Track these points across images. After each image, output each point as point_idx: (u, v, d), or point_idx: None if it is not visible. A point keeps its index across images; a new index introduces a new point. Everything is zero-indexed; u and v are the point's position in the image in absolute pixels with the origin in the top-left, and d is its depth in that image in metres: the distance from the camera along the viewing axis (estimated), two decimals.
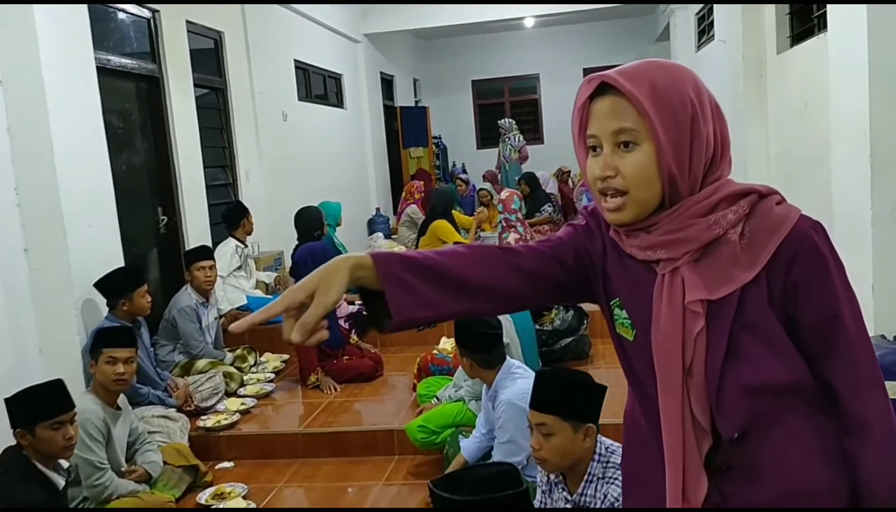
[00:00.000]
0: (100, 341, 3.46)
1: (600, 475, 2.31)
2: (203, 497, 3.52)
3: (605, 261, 1.30)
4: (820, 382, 1.17)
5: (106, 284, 4.12)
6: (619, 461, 2.24)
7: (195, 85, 5.99)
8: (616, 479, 2.26)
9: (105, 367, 3.39)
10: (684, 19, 9.52)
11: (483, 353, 3.16)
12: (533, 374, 3.22)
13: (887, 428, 1.17)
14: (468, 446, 3.36)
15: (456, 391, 3.81)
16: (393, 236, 9.81)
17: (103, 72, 4.71)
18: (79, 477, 3.16)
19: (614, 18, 13.36)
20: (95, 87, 4.48)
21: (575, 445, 2.29)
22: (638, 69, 1.19)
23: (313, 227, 5.80)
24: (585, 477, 2.32)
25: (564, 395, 2.32)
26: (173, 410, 4.12)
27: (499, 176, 11.28)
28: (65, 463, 2.91)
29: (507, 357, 3.24)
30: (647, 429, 1.28)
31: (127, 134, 5.23)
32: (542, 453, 2.31)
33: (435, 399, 3.96)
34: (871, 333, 3.24)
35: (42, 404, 2.74)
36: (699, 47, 8.88)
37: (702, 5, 8.48)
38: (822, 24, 4.74)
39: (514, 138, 11.10)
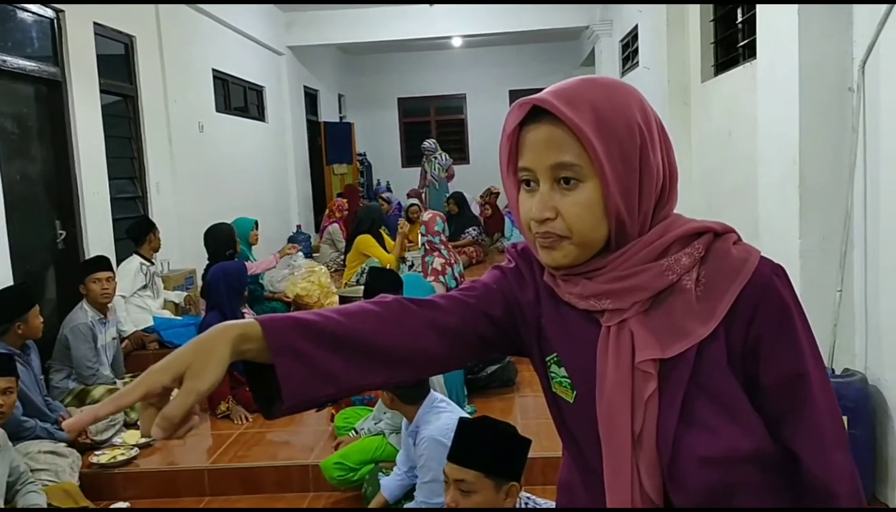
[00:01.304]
0: None
1: None
2: None
3: (539, 310, 1.12)
4: (781, 445, 1.02)
5: None
6: None
7: (102, 91, 5.62)
8: None
9: None
10: (609, 45, 9.64)
11: (403, 387, 2.96)
12: (457, 408, 3.04)
13: (853, 493, 1.04)
14: (388, 485, 3.14)
15: (375, 424, 3.59)
16: (314, 255, 9.52)
17: None
18: None
19: (541, 42, 13.48)
20: None
21: (495, 504, 2.11)
22: (577, 91, 1.01)
23: (225, 245, 5.49)
24: None
25: (489, 449, 2.14)
26: (63, 444, 3.73)
27: (423, 195, 11.13)
28: None
29: (431, 390, 3.05)
30: (587, 499, 1.11)
31: (22, 140, 4.82)
32: (462, 510, 2.13)
33: (353, 432, 3.72)
34: None
35: None
36: (624, 73, 8.98)
37: (627, 30, 8.58)
38: (746, 54, 4.78)
39: (442, 157, 10.99)
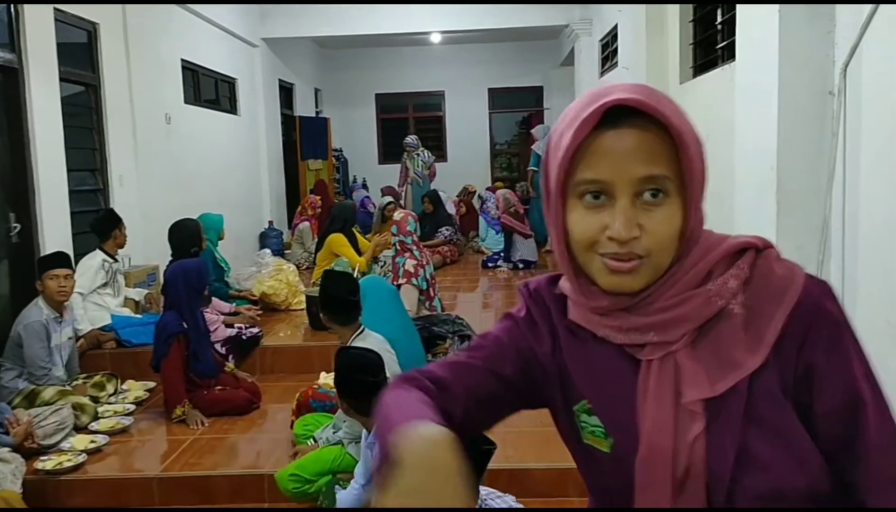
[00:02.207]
0: None
1: None
2: None
3: (560, 358, 1.01)
4: (837, 476, 0.92)
5: None
6: None
7: (62, 79, 5.39)
8: None
9: None
10: (588, 44, 9.54)
11: (360, 399, 2.81)
12: None
13: None
14: (345, 499, 2.99)
15: (334, 433, 3.43)
16: (286, 252, 9.34)
17: None
18: None
19: (521, 40, 13.36)
20: None
21: None
22: (657, 94, 0.90)
23: (189, 242, 5.31)
24: None
25: None
26: (6, 449, 3.54)
27: (402, 192, 10.98)
28: None
29: None
30: None
31: None
32: None
33: (312, 440, 3.56)
34: None
35: None
36: (603, 73, 8.88)
37: (607, 30, 8.48)
38: (725, 56, 4.68)
39: (425, 154, 10.85)
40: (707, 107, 4.96)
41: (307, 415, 3.82)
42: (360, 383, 2.82)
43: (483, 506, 2.05)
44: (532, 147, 9.91)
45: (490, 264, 8.47)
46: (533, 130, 10.29)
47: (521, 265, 8.22)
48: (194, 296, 4.41)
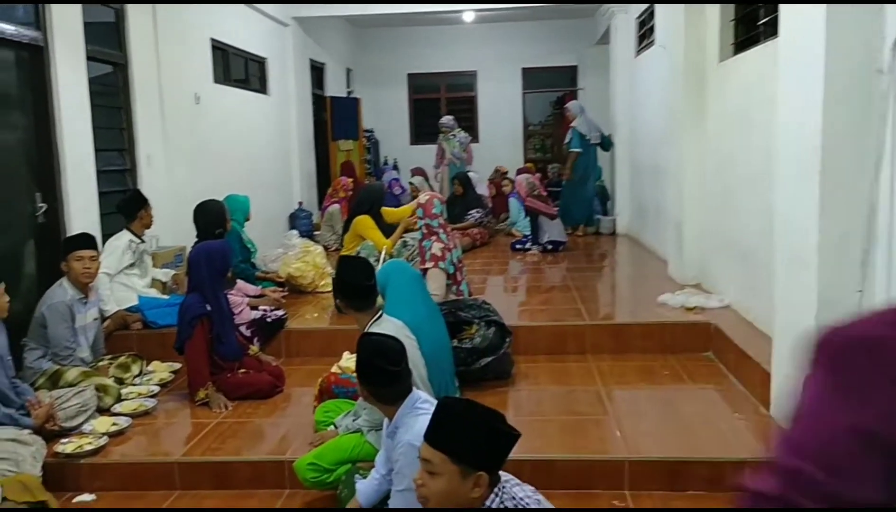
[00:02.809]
0: None
1: None
2: None
3: None
4: None
5: None
6: None
7: (89, 58, 5.37)
8: None
9: None
10: (625, 22, 9.28)
11: (381, 387, 2.72)
12: None
13: None
14: (364, 490, 2.91)
15: (354, 420, 3.35)
16: (315, 233, 9.29)
17: None
18: None
19: (555, 19, 13.09)
20: None
21: (461, 492, 1.95)
22: None
23: (214, 223, 5.26)
24: None
25: (462, 434, 1.97)
26: (27, 431, 3.53)
27: (439, 174, 10.85)
28: None
29: (413, 389, 2.81)
30: None
31: (0, 107, 4.58)
32: (424, 491, 2.00)
33: (332, 427, 3.49)
34: None
35: None
36: (639, 52, 8.64)
37: (643, 7, 8.22)
38: (768, 32, 4.46)
39: (461, 135, 10.69)
40: (748, 85, 4.76)
41: (329, 401, 3.76)
42: (381, 371, 2.73)
43: (503, 490, 1.96)
44: (573, 124, 9.28)
45: (519, 247, 8.33)
46: (568, 105, 9.76)
47: (549, 247, 8.07)
48: (217, 278, 4.36)
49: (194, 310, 4.20)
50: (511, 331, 4.53)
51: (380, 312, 3.47)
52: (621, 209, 9.60)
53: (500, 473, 2.03)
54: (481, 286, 6.47)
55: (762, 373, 3.85)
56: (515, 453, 3.43)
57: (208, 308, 4.25)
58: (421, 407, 2.73)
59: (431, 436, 1.98)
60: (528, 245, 8.22)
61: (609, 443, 3.58)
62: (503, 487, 1.98)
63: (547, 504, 2.01)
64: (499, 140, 13.97)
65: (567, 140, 9.36)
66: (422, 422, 2.63)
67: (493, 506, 1.92)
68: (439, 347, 3.83)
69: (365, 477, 3.01)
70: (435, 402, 2.84)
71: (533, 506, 1.94)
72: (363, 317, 3.45)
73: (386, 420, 2.86)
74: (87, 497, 3.45)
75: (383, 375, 2.71)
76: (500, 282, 7.05)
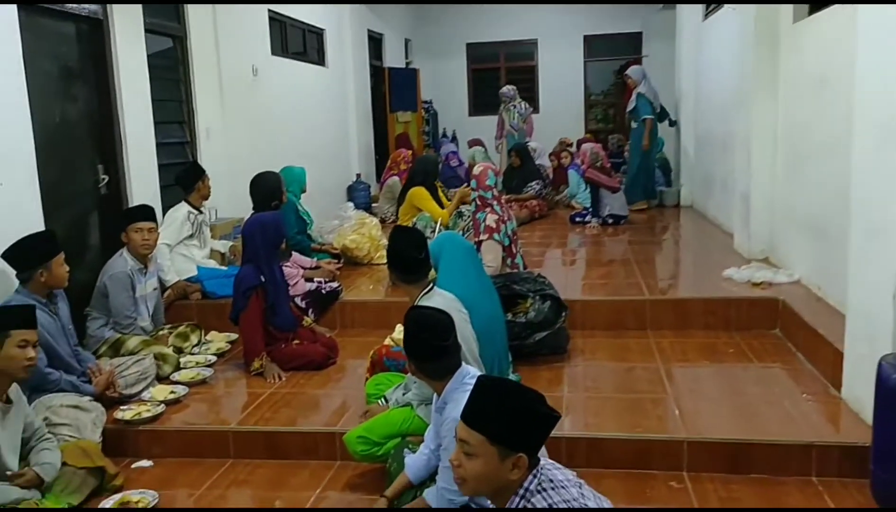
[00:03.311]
0: (7, 321, 2.93)
1: None
2: (105, 507, 3.03)
3: None
4: None
5: (17, 253, 3.60)
6: (553, 501, 1.81)
7: (148, 31, 5.41)
8: None
9: (15, 351, 2.89)
10: None
11: (428, 362, 2.66)
12: None
13: None
14: (413, 464, 2.87)
15: (404, 394, 3.31)
16: (373, 205, 9.29)
17: (34, 11, 4.15)
18: None
19: None
20: (14, 26, 3.91)
21: (499, 474, 1.87)
22: None
23: (270, 195, 5.27)
24: None
25: (500, 414, 1.87)
26: (88, 398, 3.61)
27: (498, 146, 10.72)
28: None
29: (462, 363, 2.74)
30: None
31: (62, 81, 4.66)
32: (462, 472, 1.91)
33: (382, 400, 3.46)
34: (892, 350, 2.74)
35: None
36: (707, 15, 8.27)
37: None
38: None
39: (521, 106, 10.50)
40: (824, 48, 4.48)
41: (380, 374, 3.73)
42: (428, 345, 2.67)
43: (542, 472, 1.87)
44: (640, 91, 8.80)
45: (578, 220, 8.15)
46: (629, 71, 9.30)
47: (610, 220, 7.87)
48: (271, 249, 4.37)
49: (248, 281, 4.22)
50: (567, 305, 4.42)
51: (431, 285, 3.41)
52: (685, 181, 9.30)
53: (540, 456, 1.94)
54: (538, 259, 6.35)
55: (834, 352, 3.65)
56: (570, 431, 3.38)
57: (262, 279, 4.27)
58: (470, 383, 2.65)
59: (469, 416, 1.90)
60: (587, 218, 8.04)
61: (668, 422, 3.45)
62: (542, 470, 1.89)
63: (587, 490, 1.91)
64: (560, 111, 13.69)
65: (630, 108, 9.02)
66: None
67: (532, 487, 1.84)
68: (492, 322, 3.75)
69: (414, 451, 2.97)
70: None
71: (572, 489, 1.85)
72: (414, 289, 3.40)
73: (435, 395, 2.81)
74: (144, 463, 3.51)
75: (430, 350, 2.64)
76: (558, 255, 6.92)
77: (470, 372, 2.73)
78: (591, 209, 8.09)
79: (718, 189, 7.53)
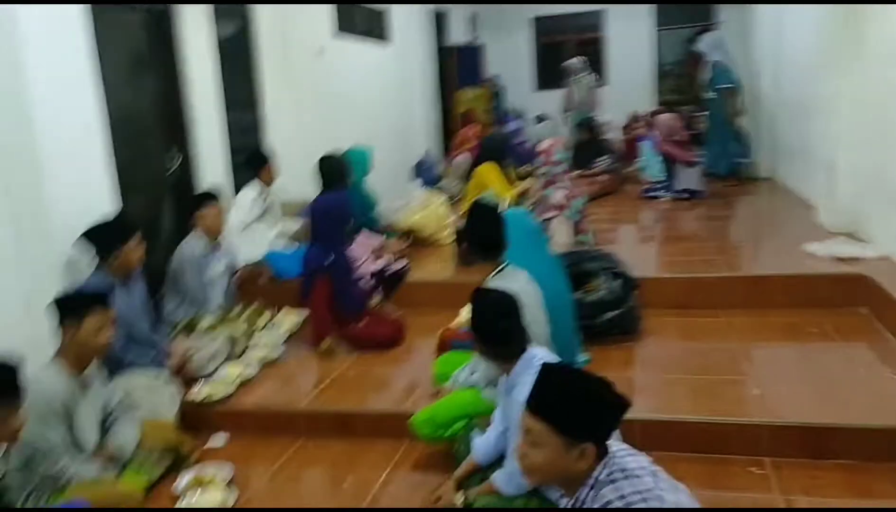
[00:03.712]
0: (86, 302, 3.02)
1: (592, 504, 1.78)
2: (181, 483, 3.10)
3: None
4: None
5: (95, 235, 3.71)
6: (624, 492, 1.73)
7: (214, 14, 5.46)
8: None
9: (94, 330, 2.97)
10: None
11: (494, 344, 2.61)
12: None
13: None
14: (481, 446, 2.84)
15: (471, 375, 3.27)
16: (440, 183, 9.26)
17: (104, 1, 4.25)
18: (31, 462, 2.78)
19: None
20: (86, 17, 4.00)
21: (565, 464, 1.79)
22: None
23: (336, 177, 5.27)
24: (573, 502, 1.82)
25: (564, 403, 1.80)
26: (164, 377, 3.70)
27: (565, 120, 10.52)
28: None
29: (528, 345, 2.67)
30: None
31: (133, 68, 4.75)
32: (526, 461, 1.85)
33: (451, 381, 3.42)
34: None
35: None
36: None
37: None
38: None
39: (588, 79, 10.26)
40: None
41: (449, 353, 3.70)
42: (496, 327, 2.62)
43: (612, 461, 1.78)
44: (715, 59, 8.34)
45: (650, 194, 7.92)
46: (701, 45, 8.86)
47: (684, 195, 7.62)
48: (337, 230, 4.38)
49: (315, 262, 4.25)
50: (638, 283, 4.30)
51: (505, 264, 3.32)
52: (764, 151, 8.92)
53: (612, 443, 1.85)
54: (608, 235, 6.20)
55: None
56: (643, 413, 3.27)
57: (329, 261, 4.28)
58: (538, 365, 2.60)
59: (532, 404, 1.83)
60: (659, 192, 7.81)
61: (746, 405, 3.32)
62: (613, 458, 1.80)
63: (663, 478, 1.82)
64: (629, 83, 13.31)
65: (708, 77, 8.63)
66: None
67: (601, 478, 1.76)
68: (560, 302, 3.66)
69: (482, 433, 2.93)
70: (554, 358, 2.71)
71: (647, 478, 1.76)
72: (487, 267, 3.31)
73: (503, 376, 2.76)
74: (218, 441, 3.59)
75: (497, 332, 2.59)
76: (629, 231, 6.75)
77: (538, 354, 2.66)
78: (663, 183, 7.85)
79: (800, 159, 7.19)
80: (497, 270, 3.28)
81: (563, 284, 3.79)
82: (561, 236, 4.65)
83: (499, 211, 3.47)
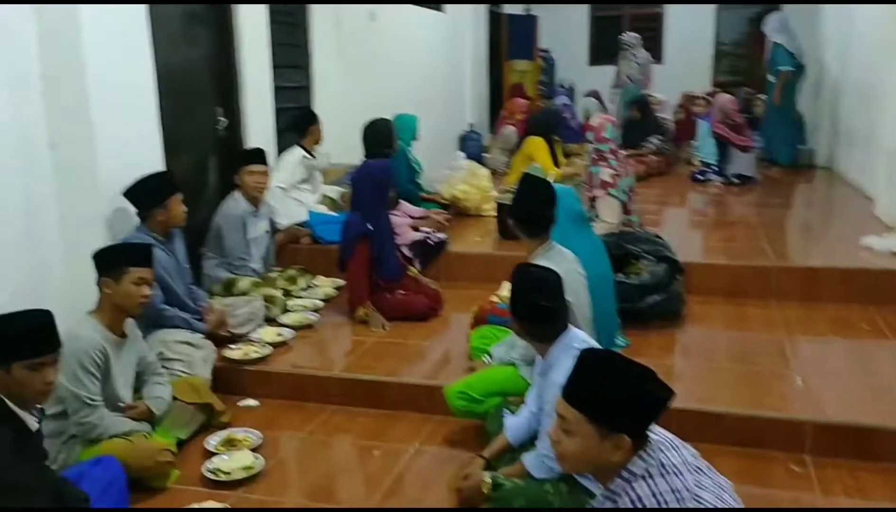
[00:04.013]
0: (125, 258, 3.01)
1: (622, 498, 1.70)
2: (211, 442, 3.12)
3: None
4: None
5: (137, 192, 3.70)
6: (658, 489, 1.66)
7: None
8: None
9: (131, 288, 2.96)
10: None
11: (533, 323, 2.54)
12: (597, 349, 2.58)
13: None
14: (513, 426, 2.79)
15: (508, 351, 3.21)
16: (485, 155, 9.15)
17: None
18: (66, 411, 2.81)
19: None
20: None
21: (599, 455, 1.70)
22: None
23: (382, 142, 5.23)
24: (604, 493, 1.75)
25: (602, 392, 1.71)
26: (200, 336, 3.72)
27: (614, 96, 10.30)
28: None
29: (568, 327, 2.60)
30: None
31: (183, 25, 4.72)
32: (559, 448, 1.78)
33: (487, 357, 3.37)
34: None
35: (22, 341, 2.25)
36: None
37: None
38: None
39: (640, 55, 10.00)
40: None
41: (485, 327, 3.64)
42: (535, 306, 2.55)
43: (650, 455, 1.70)
44: (777, 40, 8.06)
45: (700, 178, 7.71)
46: (767, 28, 8.56)
47: (736, 180, 7.39)
48: (379, 197, 4.33)
49: (355, 229, 4.21)
50: (683, 268, 4.17)
51: (551, 243, 3.23)
52: (822, 138, 8.60)
53: (651, 433, 1.76)
54: (654, 217, 6.05)
55: None
56: (681, 402, 3.17)
57: (369, 227, 4.24)
58: (577, 348, 2.52)
59: (568, 391, 1.75)
60: (709, 176, 7.59)
61: (790, 400, 3.21)
62: (651, 451, 1.72)
63: (708, 476, 1.74)
64: (685, 62, 12.92)
65: (769, 59, 8.32)
66: None
67: (636, 471, 1.68)
68: (602, 284, 3.57)
69: (514, 412, 2.88)
70: (591, 343, 2.63)
71: (687, 476, 1.68)
72: (532, 244, 3.22)
73: (539, 357, 2.69)
74: (251, 402, 3.60)
75: (537, 311, 2.52)
76: (676, 214, 6.59)
77: (578, 336, 2.59)
78: (715, 167, 7.63)
79: (860, 147, 6.91)
80: (542, 247, 3.20)
81: (606, 266, 3.70)
82: (606, 216, 4.54)
83: (550, 185, 3.37)
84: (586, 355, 1.82)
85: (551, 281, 2.60)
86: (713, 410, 3.13)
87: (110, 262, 2.99)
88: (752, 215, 6.13)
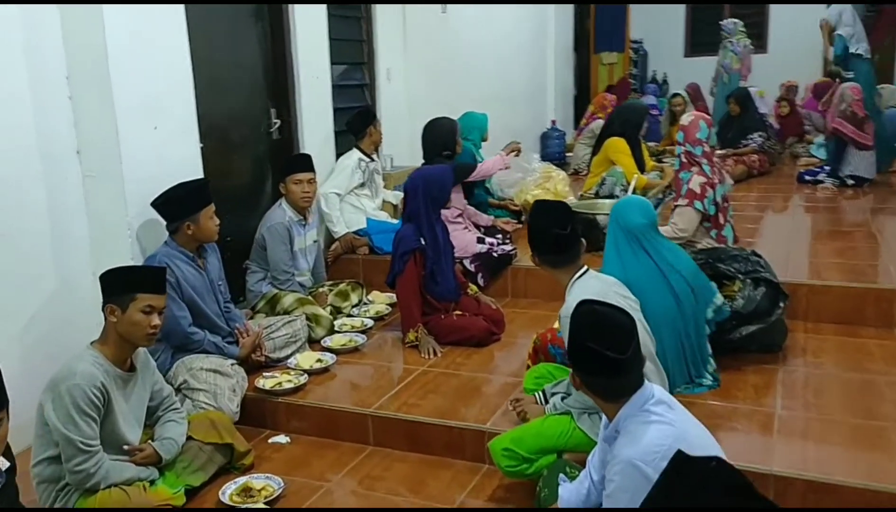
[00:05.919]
0: (134, 283, 2.67)
1: None
2: (226, 493, 2.74)
3: None
4: None
5: (164, 204, 3.39)
6: None
7: None
8: None
9: (139, 316, 2.59)
10: None
11: (596, 376, 2.00)
12: (681, 414, 2.03)
13: None
14: (569, 497, 2.27)
15: (563, 399, 2.70)
16: (567, 154, 8.58)
17: None
18: (61, 456, 2.49)
19: None
20: None
21: None
22: None
23: (442, 144, 4.78)
24: None
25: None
26: (230, 363, 3.37)
27: (713, 89, 9.53)
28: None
29: (644, 382, 2.05)
30: None
31: (235, 17, 4.42)
32: None
33: (540, 394, 2.87)
34: None
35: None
36: None
37: None
38: None
39: (738, 44, 9.19)
40: None
41: (542, 365, 3.13)
42: (597, 357, 1.98)
43: None
44: (839, 32, 7.24)
45: (808, 178, 6.89)
46: (826, 17, 7.54)
47: (850, 181, 6.56)
48: (434, 208, 3.89)
49: (407, 243, 3.79)
50: (787, 294, 3.53)
51: (585, 268, 2.78)
52: None
53: None
54: (752, 227, 5.36)
55: None
56: (782, 466, 2.60)
57: (423, 241, 3.81)
58: (653, 410, 1.98)
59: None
60: (819, 176, 6.77)
61: None
62: None
63: None
64: (792, 50, 11.89)
65: (837, 52, 7.38)
66: (651, 434, 1.93)
67: None
68: (668, 311, 3.03)
69: (572, 477, 2.37)
70: (672, 402, 2.08)
71: None
72: (562, 274, 2.80)
73: (605, 418, 2.16)
74: (281, 439, 3.22)
75: (601, 364, 1.97)
76: (779, 222, 5.85)
77: (654, 395, 2.04)
78: (827, 166, 6.80)
79: None
80: (576, 275, 2.77)
81: (683, 288, 3.11)
82: (680, 222, 3.97)
83: (563, 207, 2.95)
84: (680, 462, 1.31)
85: (622, 324, 2.03)
86: (825, 480, 2.52)
87: (117, 286, 2.66)
88: (870, 224, 5.36)
